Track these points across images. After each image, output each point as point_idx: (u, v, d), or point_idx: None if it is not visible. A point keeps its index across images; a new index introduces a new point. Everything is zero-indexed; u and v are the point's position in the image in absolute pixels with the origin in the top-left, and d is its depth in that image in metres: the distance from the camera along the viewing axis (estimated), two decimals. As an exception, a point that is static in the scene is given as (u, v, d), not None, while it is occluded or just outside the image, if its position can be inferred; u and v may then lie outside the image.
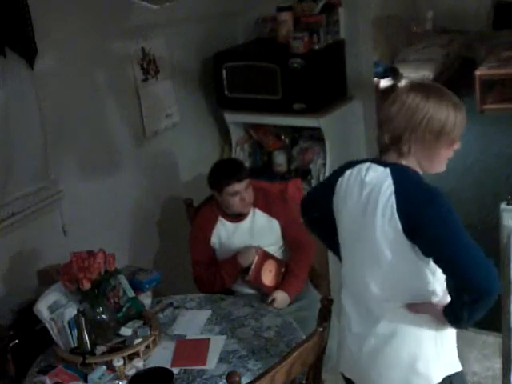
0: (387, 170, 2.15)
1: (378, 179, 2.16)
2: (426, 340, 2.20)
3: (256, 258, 3.23)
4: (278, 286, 3.28)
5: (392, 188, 2.10)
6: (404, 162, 2.16)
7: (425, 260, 2.09)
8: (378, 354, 2.24)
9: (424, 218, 2.03)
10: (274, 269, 3.28)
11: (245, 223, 3.37)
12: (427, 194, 2.07)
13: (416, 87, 2.17)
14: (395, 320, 2.20)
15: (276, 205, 3.42)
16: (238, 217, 3.36)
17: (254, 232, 3.36)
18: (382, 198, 2.11)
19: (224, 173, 3.33)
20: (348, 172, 2.29)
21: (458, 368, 2.27)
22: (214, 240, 3.38)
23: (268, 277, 3.26)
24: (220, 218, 3.37)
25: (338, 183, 2.31)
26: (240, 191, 3.26)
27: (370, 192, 2.17)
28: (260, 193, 3.40)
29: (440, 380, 2.20)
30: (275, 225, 3.39)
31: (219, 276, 3.30)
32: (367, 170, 2.22)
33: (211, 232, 3.37)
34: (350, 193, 2.24)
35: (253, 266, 3.22)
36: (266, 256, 3.27)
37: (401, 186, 2.10)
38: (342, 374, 2.45)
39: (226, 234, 3.37)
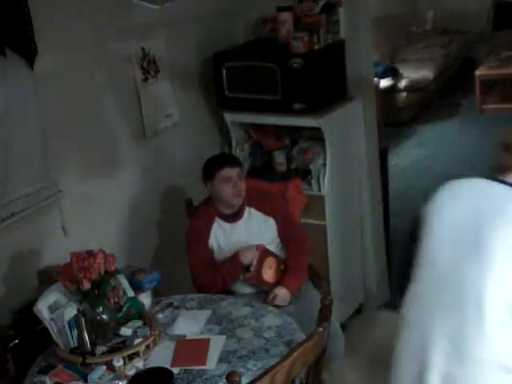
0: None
1: (496, 199, 1.75)
2: None
3: (257, 254, 3.24)
4: (278, 283, 3.29)
5: None
6: None
7: None
8: None
9: None
10: (274, 265, 3.30)
11: (241, 223, 3.38)
12: None
13: None
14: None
15: (271, 202, 3.45)
16: (233, 217, 3.37)
17: (251, 231, 3.37)
18: (506, 224, 1.67)
19: (217, 159, 3.42)
20: (445, 191, 1.89)
21: None
22: (211, 241, 3.38)
23: (268, 273, 3.28)
24: (216, 219, 3.38)
25: (429, 205, 1.89)
26: (232, 177, 3.28)
27: (482, 213, 1.73)
28: (254, 192, 3.42)
29: None
30: (271, 223, 3.41)
31: (220, 276, 3.29)
32: (477, 185, 1.85)
33: (208, 233, 3.37)
34: (450, 211, 1.82)
35: (254, 262, 3.23)
36: (266, 253, 3.29)
37: None
38: None
39: (223, 234, 3.38)
